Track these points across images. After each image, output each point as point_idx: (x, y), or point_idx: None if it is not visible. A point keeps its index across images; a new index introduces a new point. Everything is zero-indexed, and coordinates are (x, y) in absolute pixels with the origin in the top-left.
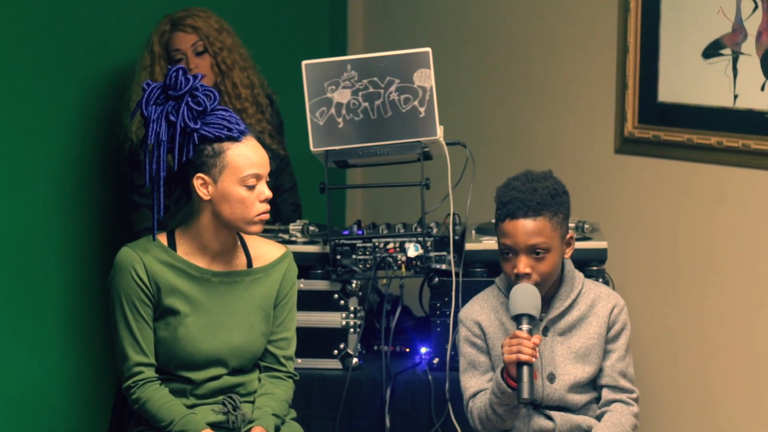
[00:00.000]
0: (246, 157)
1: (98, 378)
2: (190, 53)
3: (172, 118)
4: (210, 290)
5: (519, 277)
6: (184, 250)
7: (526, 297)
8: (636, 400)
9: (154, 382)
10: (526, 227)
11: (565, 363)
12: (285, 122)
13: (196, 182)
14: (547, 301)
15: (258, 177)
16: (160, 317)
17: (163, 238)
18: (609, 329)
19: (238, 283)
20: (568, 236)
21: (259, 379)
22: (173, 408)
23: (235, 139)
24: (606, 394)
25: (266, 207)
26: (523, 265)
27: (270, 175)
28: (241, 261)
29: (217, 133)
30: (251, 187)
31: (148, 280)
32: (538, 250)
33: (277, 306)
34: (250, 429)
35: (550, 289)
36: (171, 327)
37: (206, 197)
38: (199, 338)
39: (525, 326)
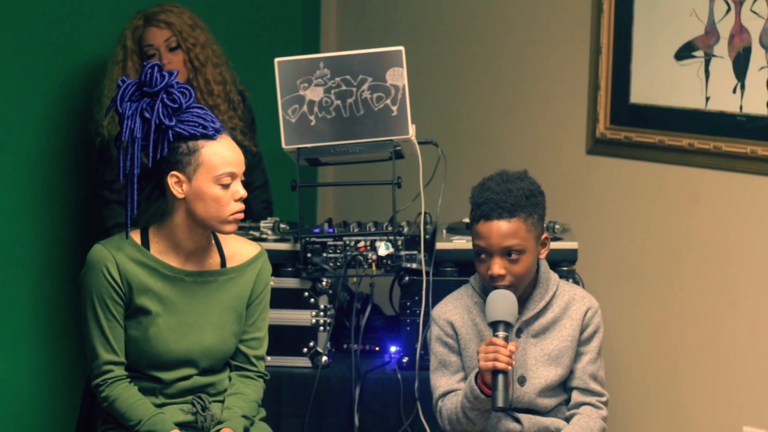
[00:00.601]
0: (221, 155)
1: (66, 376)
2: (163, 49)
3: (146, 114)
4: (183, 290)
5: (493, 279)
6: (157, 249)
7: (504, 303)
8: (605, 403)
9: (123, 381)
10: (501, 229)
11: (537, 365)
12: (257, 119)
13: (170, 180)
14: (522, 303)
15: (233, 176)
16: (131, 316)
17: (136, 236)
18: (582, 331)
19: (211, 283)
20: (543, 237)
21: (230, 378)
22: (142, 407)
23: (210, 137)
24: (576, 396)
25: (241, 206)
26: (498, 266)
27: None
28: (214, 260)
29: (192, 131)
30: (226, 186)
31: (120, 279)
32: (513, 252)
33: (250, 305)
34: (219, 430)
35: (525, 291)
36: (142, 326)
37: (180, 195)
38: (170, 338)
39: (501, 333)
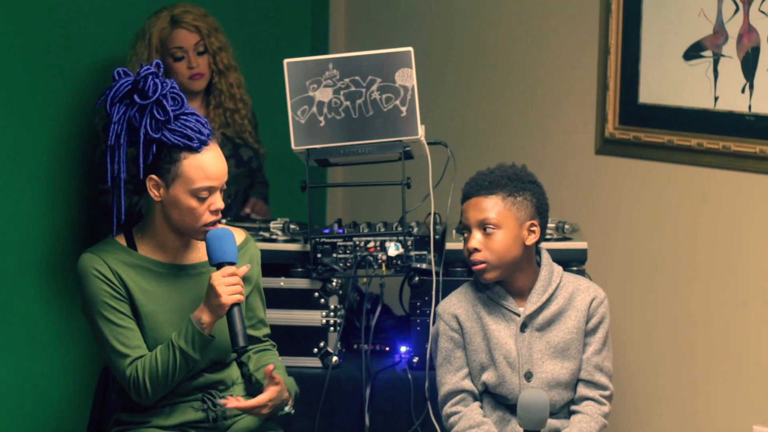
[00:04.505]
0: (201, 169)
1: (77, 379)
2: (191, 52)
3: (134, 123)
4: (177, 285)
5: (469, 253)
6: (143, 249)
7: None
8: (608, 398)
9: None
10: (478, 204)
11: (543, 359)
12: (267, 120)
13: (149, 183)
14: (524, 296)
15: (211, 190)
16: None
17: (122, 240)
18: (587, 322)
19: (203, 275)
20: (529, 222)
21: (248, 360)
22: (163, 345)
23: (195, 150)
24: (580, 389)
25: (216, 217)
26: (474, 240)
27: (253, 172)
28: (202, 252)
29: (176, 141)
30: (202, 199)
31: (114, 277)
32: (487, 226)
33: (249, 294)
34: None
35: (527, 283)
36: (145, 328)
37: (157, 199)
38: (173, 335)
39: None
